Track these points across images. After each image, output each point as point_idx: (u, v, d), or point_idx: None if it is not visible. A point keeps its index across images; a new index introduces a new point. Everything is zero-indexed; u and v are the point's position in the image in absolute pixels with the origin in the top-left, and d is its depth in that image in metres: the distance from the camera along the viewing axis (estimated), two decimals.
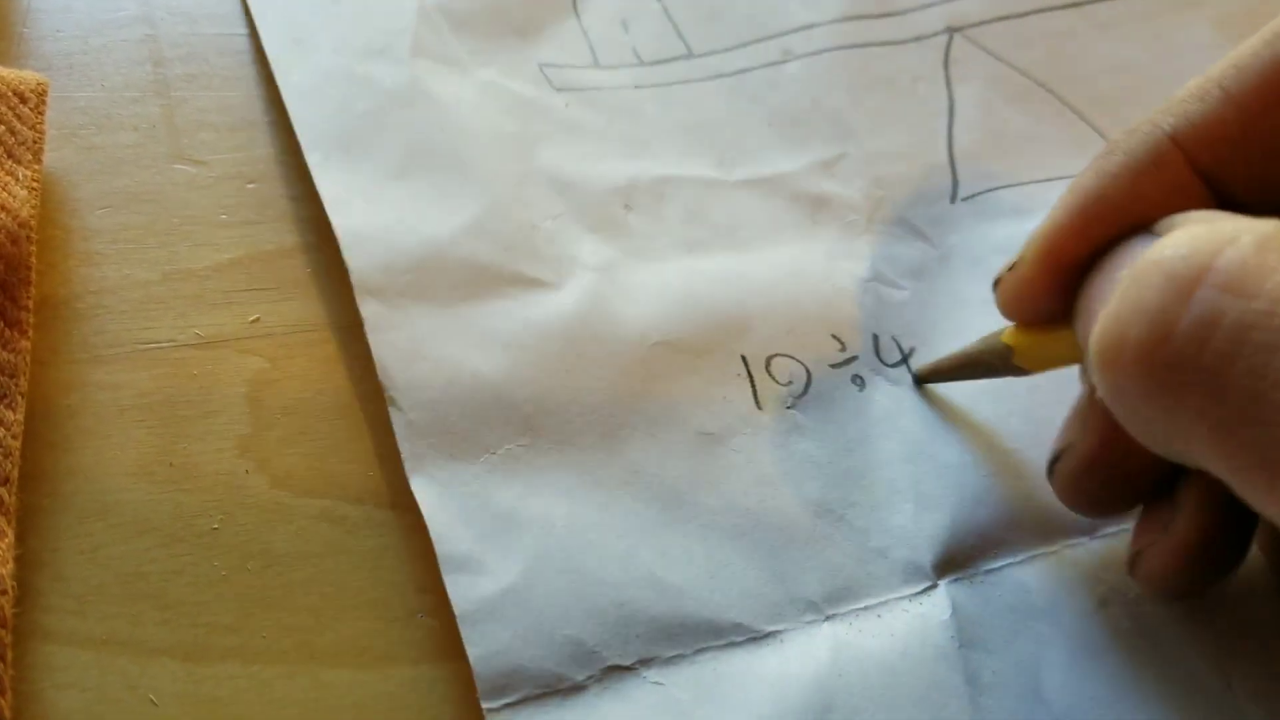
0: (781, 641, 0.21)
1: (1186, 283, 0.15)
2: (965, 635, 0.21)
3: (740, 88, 0.29)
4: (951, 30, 0.31)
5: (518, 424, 0.23)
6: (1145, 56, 0.30)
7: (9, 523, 0.20)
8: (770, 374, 0.24)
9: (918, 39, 0.30)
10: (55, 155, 0.25)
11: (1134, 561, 0.22)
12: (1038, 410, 0.24)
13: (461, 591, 0.20)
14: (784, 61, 0.29)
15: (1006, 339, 0.21)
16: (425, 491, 0.21)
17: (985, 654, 0.21)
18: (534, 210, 0.26)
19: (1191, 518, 0.20)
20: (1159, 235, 0.17)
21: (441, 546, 0.21)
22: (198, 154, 0.26)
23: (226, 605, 0.20)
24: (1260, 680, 0.21)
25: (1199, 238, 0.15)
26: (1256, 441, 0.14)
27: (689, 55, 0.30)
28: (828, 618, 0.21)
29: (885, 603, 0.22)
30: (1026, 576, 0.22)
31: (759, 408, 0.24)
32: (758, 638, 0.21)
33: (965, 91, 0.29)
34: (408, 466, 0.22)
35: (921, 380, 0.24)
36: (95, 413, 0.22)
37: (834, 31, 0.30)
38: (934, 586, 0.22)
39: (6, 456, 0.20)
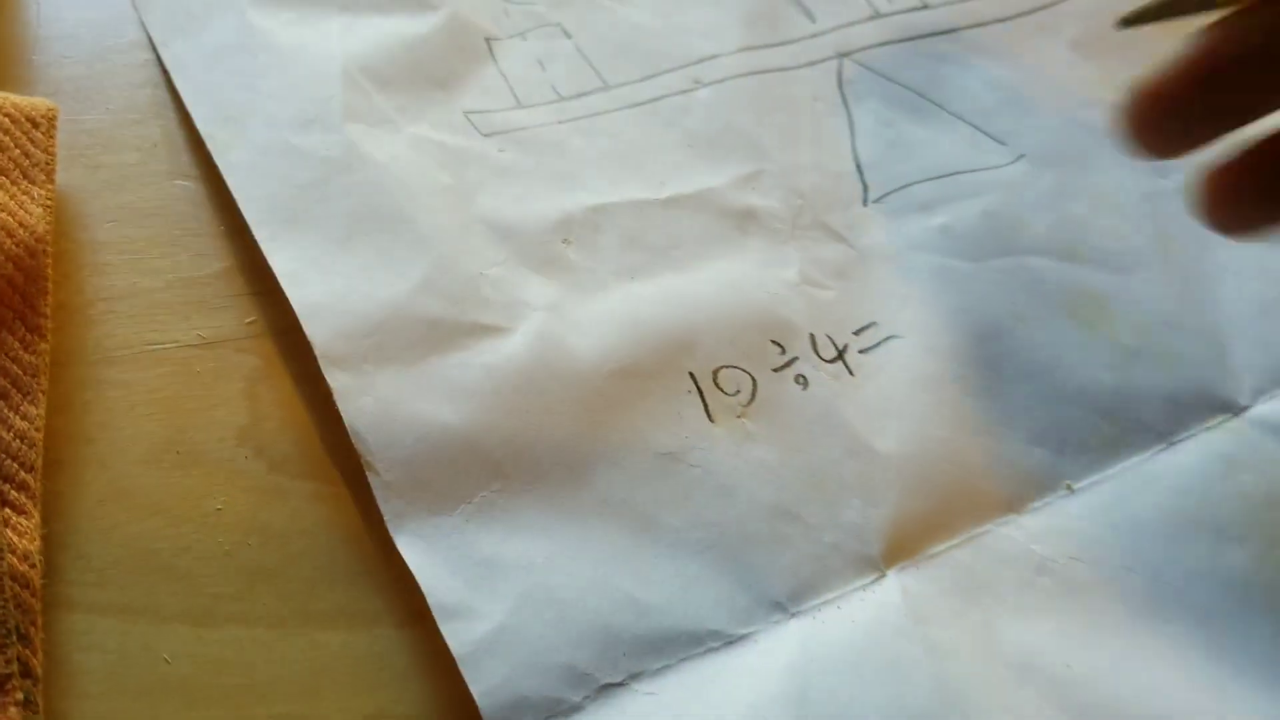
0: (755, 641, 0.23)
1: None
2: (918, 613, 0.23)
3: (656, 114, 0.31)
4: (841, 55, 0.33)
5: (489, 470, 0.24)
6: (1014, 75, 0.33)
7: (35, 506, 0.22)
8: (718, 386, 0.26)
9: (811, 64, 0.33)
10: (65, 174, 0.28)
11: (1203, 185, 0.22)
12: (964, 395, 0.26)
13: (458, 637, 0.22)
14: (694, 89, 0.31)
15: None
16: (410, 549, 0.23)
17: (940, 627, 0.23)
18: (479, 259, 0.27)
19: (1254, 151, 0.21)
20: None
21: (433, 598, 0.22)
22: (196, 171, 0.28)
23: (230, 577, 0.23)
24: (1188, 617, 0.24)
25: None
26: None
27: (605, 87, 0.31)
28: (793, 615, 0.23)
29: (843, 595, 0.24)
30: (966, 556, 0.24)
31: (711, 421, 0.25)
32: (732, 641, 0.23)
33: (861, 108, 0.32)
34: (390, 526, 0.23)
35: (1127, 23, 0.22)
36: (109, 408, 0.25)
37: (735, 60, 0.32)
38: (884, 576, 0.24)
39: (31, 447, 0.23)
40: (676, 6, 0.33)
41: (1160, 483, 0.26)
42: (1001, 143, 0.31)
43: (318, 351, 0.25)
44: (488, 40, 0.32)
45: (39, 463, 0.23)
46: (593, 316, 0.26)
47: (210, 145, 0.28)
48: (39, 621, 0.21)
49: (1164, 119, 0.22)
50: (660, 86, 0.31)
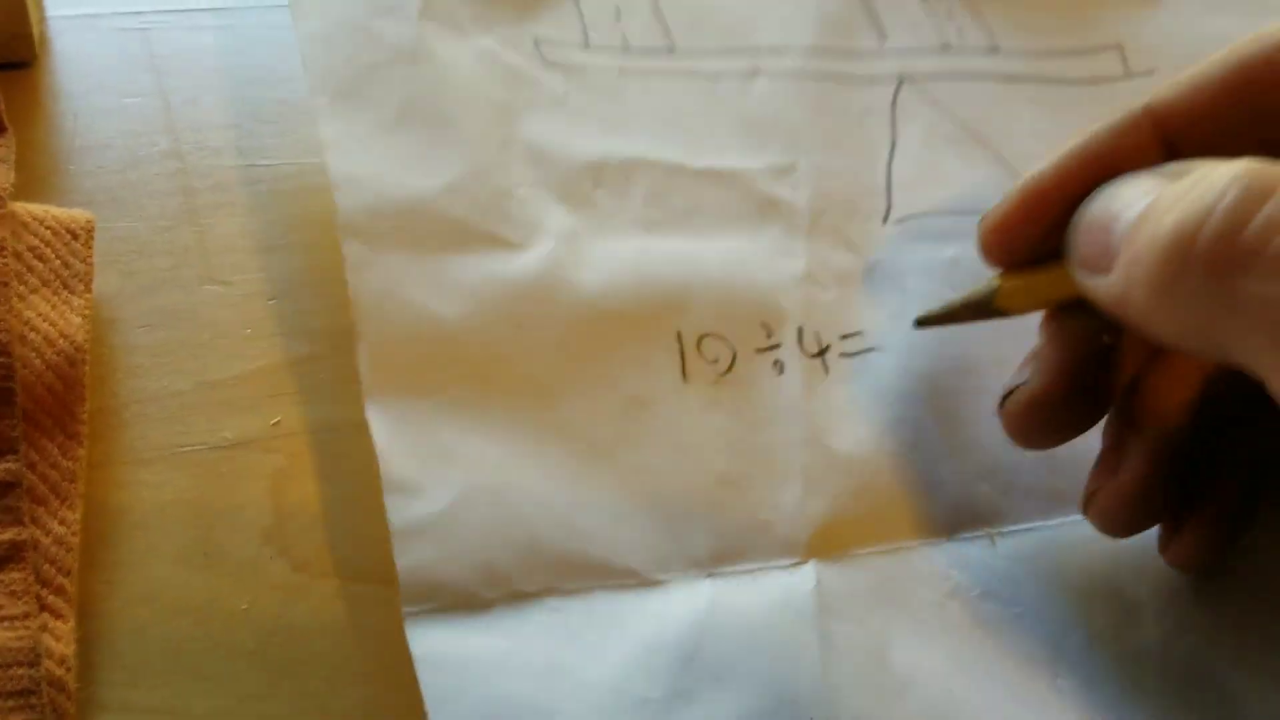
0: (666, 590, 0.24)
1: (1263, 187, 0.18)
2: (825, 605, 0.25)
3: (712, 90, 0.32)
4: (902, 79, 0.33)
5: (466, 369, 0.26)
6: (1065, 133, 0.33)
7: (71, 609, 0.23)
8: (700, 351, 0.27)
9: (871, 80, 0.33)
10: (100, 280, 0.29)
11: (1087, 500, 0.26)
12: (927, 419, 0.28)
13: (399, 511, 0.24)
14: (754, 76, 0.32)
15: (996, 279, 0.25)
16: (378, 418, 0.24)
17: (840, 622, 0.24)
18: (511, 175, 0.28)
19: (1137, 466, 0.24)
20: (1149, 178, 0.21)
21: (386, 469, 0.24)
22: (225, 275, 0.30)
23: (255, 675, 0.24)
24: (1082, 677, 0.25)
25: (1262, 164, 0.18)
26: None
27: (672, 50, 0.32)
28: (710, 574, 0.25)
29: (762, 569, 0.25)
30: (887, 564, 0.26)
31: (684, 380, 0.27)
32: (647, 583, 0.24)
33: (908, 130, 0.32)
34: (366, 393, 0.25)
35: (921, 324, 0.27)
36: (141, 509, 0.26)
37: (800, 59, 0.33)
38: (804, 563, 0.25)
39: (69, 552, 0.24)
40: None
41: (1091, 546, 0.26)
42: None
43: (340, 221, 0.26)
44: None
45: (75, 566, 0.24)
46: (602, 255, 0.28)
47: (293, 12, 0.29)
48: None
49: (1038, 422, 0.25)
50: (723, 64, 0.32)
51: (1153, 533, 0.26)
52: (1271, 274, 0.17)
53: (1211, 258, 0.18)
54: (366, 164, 0.27)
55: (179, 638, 0.24)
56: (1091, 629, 0.25)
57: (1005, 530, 0.27)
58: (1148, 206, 0.20)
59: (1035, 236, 0.24)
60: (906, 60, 0.34)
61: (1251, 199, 0.18)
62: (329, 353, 0.29)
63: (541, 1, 0.32)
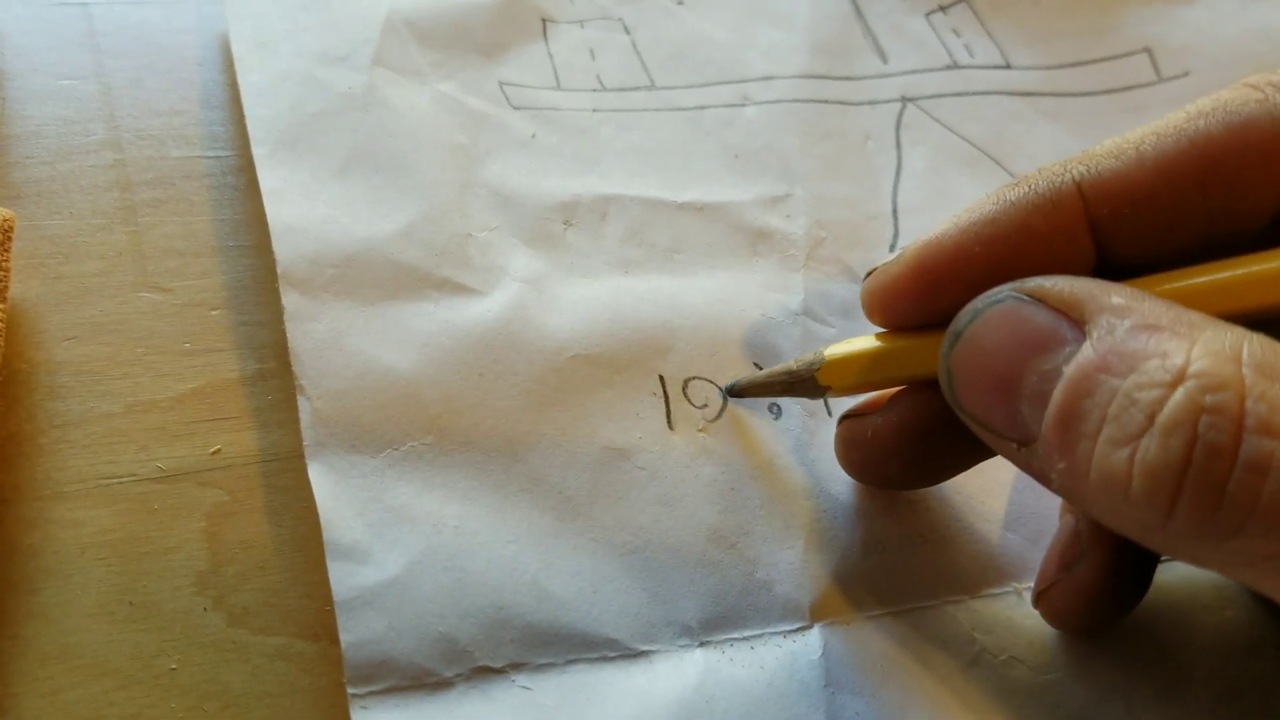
0: (652, 662, 0.22)
1: (1232, 432, 0.15)
2: (833, 676, 0.22)
3: (697, 121, 0.30)
4: (905, 100, 0.32)
5: (423, 423, 0.23)
6: (1083, 147, 0.31)
7: None
8: (686, 396, 0.25)
9: (872, 103, 0.31)
10: (22, 286, 0.26)
11: (1039, 597, 0.23)
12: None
13: (342, 579, 0.21)
14: (742, 105, 0.30)
15: (824, 351, 0.23)
16: (321, 479, 0.22)
17: (850, 696, 0.22)
18: (470, 220, 0.26)
19: (1095, 562, 0.22)
20: (1024, 292, 0.18)
21: (329, 533, 0.21)
22: (163, 281, 0.26)
23: None
24: None
25: (1216, 373, 0.16)
26: None
27: (651, 87, 0.30)
28: (701, 644, 0.22)
29: (760, 635, 0.22)
30: (903, 627, 0.23)
31: (670, 428, 0.24)
32: (629, 655, 0.22)
33: (914, 153, 0.31)
34: (308, 453, 0.22)
35: (732, 394, 0.25)
36: (56, 551, 0.23)
37: (793, 85, 0.31)
38: (809, 627, 0.23)
39: None
40: (749, 22, 0.32)
41: None
42: None
43: (280, 270, 0.24)
44: (544, 20, 0.31)
45: None
46: (574, 299, 0.26)
47: (237, 66, 0.28)
48: None
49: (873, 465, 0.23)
50: (707, 96, 0.31)
51: (1189, 573, 0.23)
52: (1268, 532, 0.15)
53: (1197, 517, 0.16)
54: (309, 212, 0.26)
55: (96, 703, 0.21)
56: (1132, 698, 0.22)
57: (1034, 585, 0.24)
58: (1081, 407, 0.17)
59: (922, 305, 0.21)
60: (910, 80, 0.32)
61: (1226, 444, 0.15)
62: (279, 371, 0.25)
63: (508, 46, 0.31)
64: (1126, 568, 0.22)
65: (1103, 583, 0.22)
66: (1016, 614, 0.23)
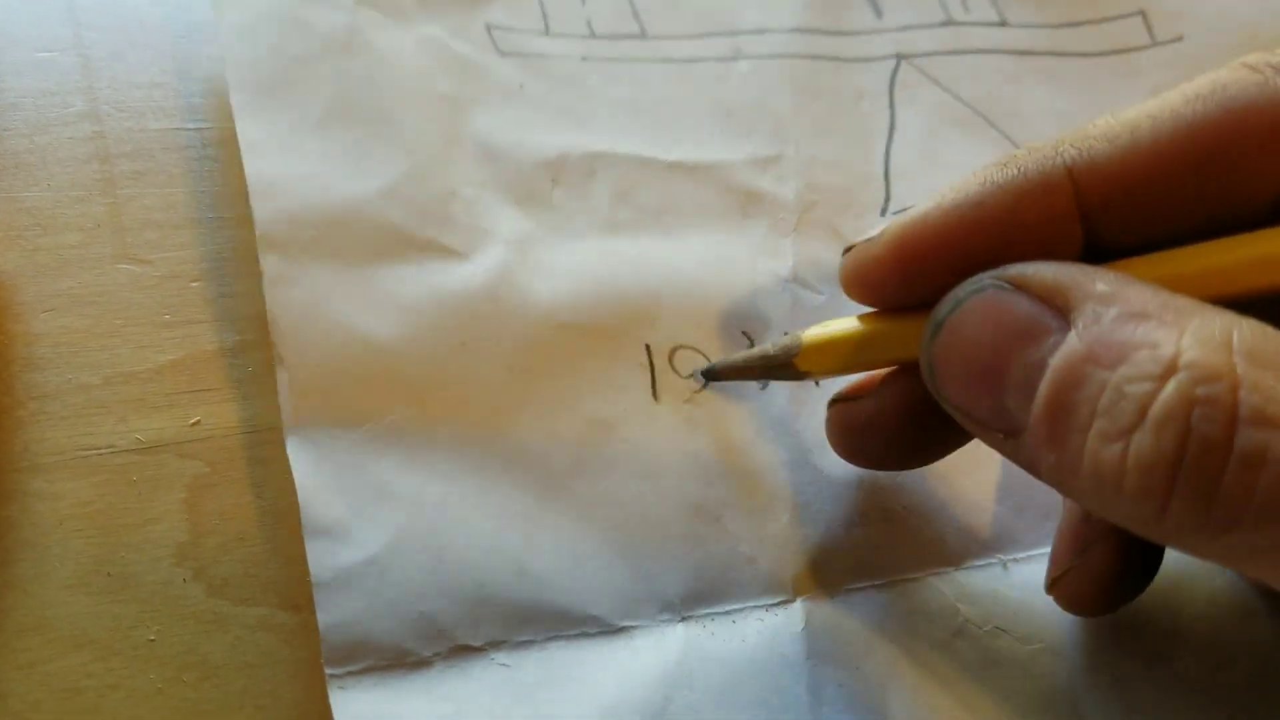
0: (632, 638, 0.21)
1: (1226, 425, 0.15)
2: (815, 649, 0.22)
3: (688, 74, 0.29)
4: (900, 57, 0.31)
5: (405, 394, 0.23)
6: (1080, 109, 0.31)
7: None
8: (673, 366, 0.25)
9: (866, 60, 0.31)
10: (0, 258, 0.25)
11: (1053, 584, 0.23)
12: None
13: (320, 559, 0.21)
14: (734, 59, 0.30)
15: (801, 335, 0.22)
16: (300, 454, 0.22)
17: (832, 668, 0.22)
18: (456, 177, 0.25)
19: (1109, 547, 0.21)
20: (1006, 279, 0.18)
21: (308, 511, 0.21)
22: (142, 253, 0.26)
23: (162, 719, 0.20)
24: (1112, 716, 0.22)
25: (1207, 363, 0.15)
26: None
27: (642, 35, 0.29)
28: (683, 619, 0.22)
29: (742, 610, 0.22)
30: (886, 599, 0.23)
31: (655, 399, 0.24)
32: (610, 631, 0.21)
33: (908, 113, 0.30)
34: (285, 427, 0.22)
35: (709, 378, 0.24)
36: (34, 523, 0.22)
37: (786, 40, 0.30)
38: (791, 601, 0.22)
39: None
40: None
41: None
42: None
43: (258, 231, 0.23)
44: None
45: None
46: (560, 263, 0.25)
47: (214, 5, 0.26)
48: None
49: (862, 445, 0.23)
50: (699, 48, 0.30)
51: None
52: (1265, 525, 0.15)
53: (1193, 512, 0.15)
54: (289, 168, 0.25)
55: (74, 674, 0.21)
56: (1120, 668, 0.22)
57: (1019, 556, 0.24)
58: (1069, 400, 0.16)
59: (903, 286, 0.20)
60: (905, 37, 0.31)
61: (1220, 437, 0.15)
62: (258, 342, 0.25)
63: None
64: (1140, 550, 0.22)
65: (1118, 566, 0.22)
66: (1001, 585, 0.23)
